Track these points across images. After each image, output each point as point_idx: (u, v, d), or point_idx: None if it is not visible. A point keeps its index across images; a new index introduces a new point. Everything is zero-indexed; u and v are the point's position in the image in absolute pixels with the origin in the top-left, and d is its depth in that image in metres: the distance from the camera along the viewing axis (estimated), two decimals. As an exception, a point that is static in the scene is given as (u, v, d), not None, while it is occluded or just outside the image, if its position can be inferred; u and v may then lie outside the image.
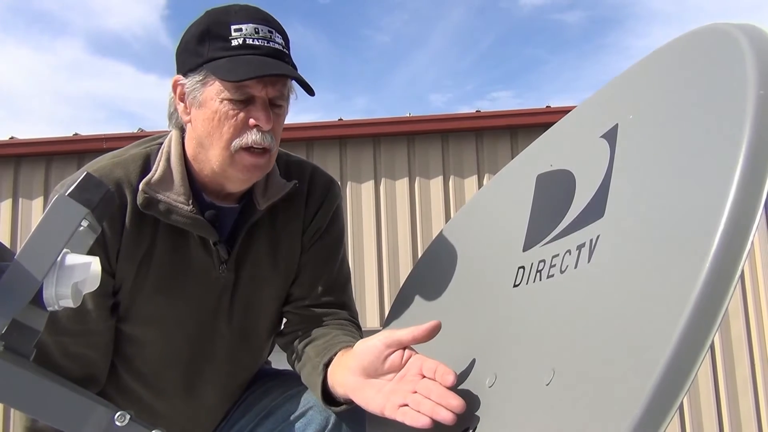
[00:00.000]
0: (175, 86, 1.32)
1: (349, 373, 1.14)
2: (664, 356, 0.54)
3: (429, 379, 1.03)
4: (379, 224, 6.44)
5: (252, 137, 1.24)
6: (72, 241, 0.82)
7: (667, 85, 0.84)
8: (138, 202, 1.28)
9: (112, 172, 1.30)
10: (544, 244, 1.05)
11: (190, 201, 1.30)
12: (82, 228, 0.85)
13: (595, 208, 0.92)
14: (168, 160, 1.34)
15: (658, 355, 0.54)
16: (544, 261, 1.03)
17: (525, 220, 1.14)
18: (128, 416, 0.79)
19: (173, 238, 1.33)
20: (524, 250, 1.11)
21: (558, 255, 0.99)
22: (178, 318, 1.37)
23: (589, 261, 0.88)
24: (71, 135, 6.53)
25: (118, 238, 1.29)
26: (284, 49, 1.27)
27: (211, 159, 1.29)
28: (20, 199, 6.47)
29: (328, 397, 1.25)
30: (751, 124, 0.57)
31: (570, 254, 0.95)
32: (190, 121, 1.31)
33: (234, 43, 1.23)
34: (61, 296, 0.81)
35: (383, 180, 6.54)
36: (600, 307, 0.79)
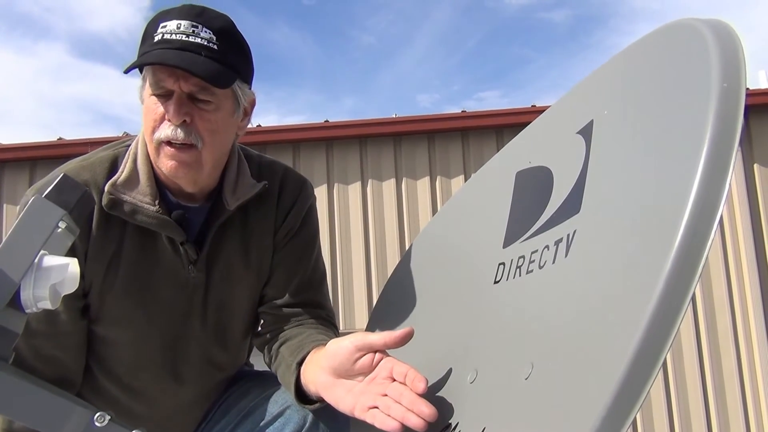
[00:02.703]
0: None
1: (321, 371, 1.15)
2: (631, 345, 0.54)
3: (399, 383, 1.03)
4: (367, 226, 6.45)
5: (165, 131, 1.25)
6: (49, 242, 0.82)
7: (639, 80, 0.85)
8: (103, 203, 1.29)
9: (79, 175, 1.30)
10: (524, 240, 1.06)
11: (156, 201, 1.31)
12: (59, 230, 0.85)
13: (572, 204, 0.93)
14: (135, 161, 1.35)
15: (626, 344, 0.55)
16: (523, 257, 1.03)
17: (505, 217, 1.15)
18: (107, 417, 0.79)
19: (141, 239, 1.33)
20: (504, 247, 1.12)
21: (537, 251, 1.00)
22: (150, 319, 1.37)
23: (566, 256, 0.89)
24: (56, 139, 6.49)
25: (85, 240, 1.29)
26: (210, 44, 1.25)
27: (151, 155, 1.31)
28: (4, 205, 6.43)
29: (303, 396, 1.26)
30: (714, 116, 0.58)
31: (548, 249, 0.96)
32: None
33: (155, 39, 1.25)
34: (38, 298, 0.81)
35: (370, 181, 6.54)
36: (575, 300, 0.80)
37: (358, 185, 6.52)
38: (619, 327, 0.62)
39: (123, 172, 1.32)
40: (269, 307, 1.45)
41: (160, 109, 1.26)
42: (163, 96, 1.26)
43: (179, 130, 1.25)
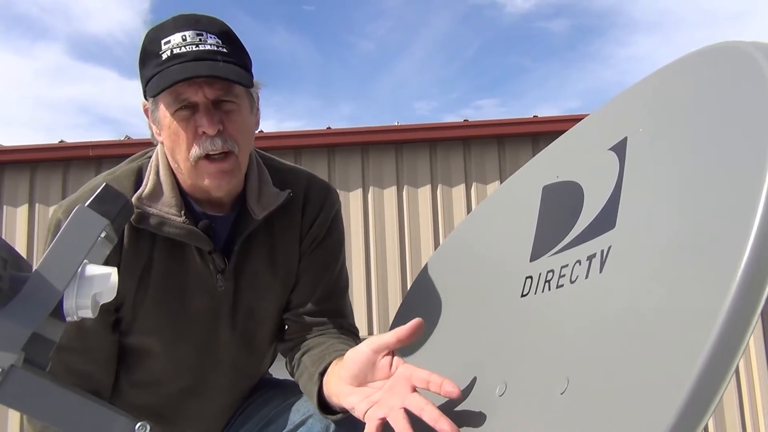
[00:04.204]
0: (145, 111, 1.35)
1: (341, 382, 1.14)
2: (696, 366, 0.54)
3: (418, 393, 1.01)
4: (368, 233, 6.46)
5: (204, 146, 1.24)
6: (91, 252, 0.83)
7: (679, 100, 0.86)
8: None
9: None
10: (552, 255, 1.07)
11: (182, 212, 1.31)
12: (99, 239, 0.85)
13: (605, 220, 0.94)
14: (157, 173, 1.35)
15: (690, 366, 0.55)
16: (552, 271, 1.04)
17: (531, 231, 1.16)
18: (149, 426, 0.79)
19: (170, 250, 1.33)
20: (531, 261, 1.12)
21: (567, 265, 1.00)
22: (181, 328, 1.38)
23: (601, 271, 0.90)
24: (57, 142, 6.49)
25: (117, 255, 1.29)
26: (220, 48, 1.25)
27: (184, 172, 1.30)
28: (4, 207, 6.41)
29: (326, 407, 1.26)
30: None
31: (580, 264, 0.96)
32: (162, 141, 1.32)
33: (163, 57, 1.23)
34: (81, 307, 0.81)
35: (371, 188, 6.55)
36: (617, 316, 0.81)
37: (359, 192, 6.53)
38: (678, 346, 0.62)
39: (147, 184, 1.33)
40: (294, 314, 1.46)
41: (190, 125, 1.24)
42: (187, 109, 1.24)
43: (217, 140, 1.24)
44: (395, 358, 1.08)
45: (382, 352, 1.08)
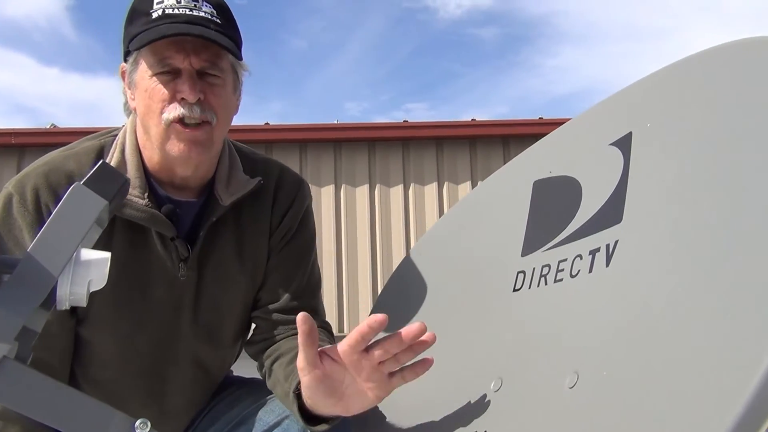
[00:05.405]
0: (122, 75, 1.29)
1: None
2: (763, 363, 0.53)
3: (372, 349, 0.99)
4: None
5: (179, 110, 1.19)
6: (87, 235, 0.76)
7: (690, 96, 0.86)
8: None
9: (63, 165, 1.24)
10: (547, 249, 1.06)
11: (146, 194, 1.25)
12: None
13: (610, 214, 0.94)
14: (122, 152, 1.28)
15: (750, 363, 0.54)
16: (548, 266, 1.03)
17: (522, 226, 1.15)
18: (149, 424, 0.74)
19: (131, 234, 1.26)
20: (523, 255, 1.12)
21: (566, 260, 1.00)
22: (138, 317, 1.30)
23: (607, 265, 0.90)
24: (-26, 128, 6.11)
25: None
26: (214, 17, 1.21)
27: (153, 139, 1.24)
28: None
29: (310, 418, 1.16)
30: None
31: (581, 259, 0.96)
32: (134, 107, 1.26)
33: (154, 15, 1.19)
34: (75, 294, 0.75)
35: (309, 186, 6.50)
36: (630, 309, 0.80)
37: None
38: (721, 337, 0.62)
39: (110, 162, 1.25)
40: (263, 311, 1.39)
41: (169, 88, 1.19)
42: (169, 74, 1.19)
43: (196, 108, 1.19)
44: (341, 350, 1.02)
45: (355, 355, 1.01)
